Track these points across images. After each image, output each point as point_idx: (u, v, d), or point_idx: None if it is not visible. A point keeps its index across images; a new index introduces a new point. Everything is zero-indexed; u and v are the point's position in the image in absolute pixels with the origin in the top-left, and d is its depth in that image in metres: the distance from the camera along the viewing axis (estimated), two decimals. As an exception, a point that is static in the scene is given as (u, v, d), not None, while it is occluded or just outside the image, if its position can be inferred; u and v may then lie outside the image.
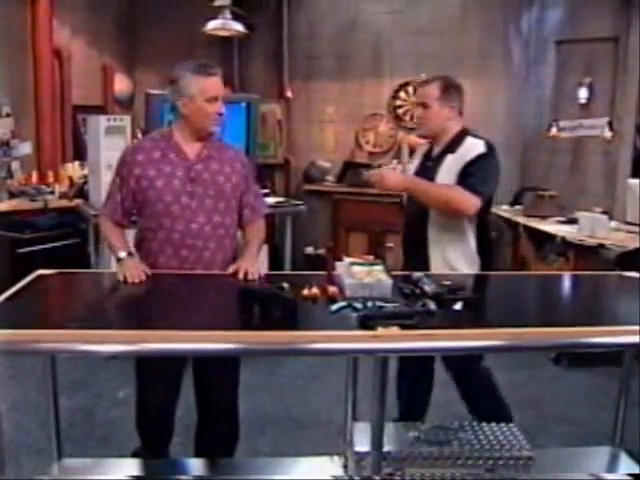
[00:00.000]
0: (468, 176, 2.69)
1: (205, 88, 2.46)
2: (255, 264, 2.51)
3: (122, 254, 2.50)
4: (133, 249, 2.58)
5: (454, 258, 2.77)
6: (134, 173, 2.53)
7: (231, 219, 2.63)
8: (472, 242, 2.80)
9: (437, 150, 2.88)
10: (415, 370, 2.99)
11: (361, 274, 2.25)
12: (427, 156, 2.94)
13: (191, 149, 2.56)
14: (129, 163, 2.55)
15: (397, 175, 3.04)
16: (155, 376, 2.69)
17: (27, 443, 3.12)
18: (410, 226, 2.94)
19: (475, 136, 2.83)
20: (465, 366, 2.77)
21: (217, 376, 2.75)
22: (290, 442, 3.24)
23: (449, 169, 2.76)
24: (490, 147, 2.76)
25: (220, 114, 2.52)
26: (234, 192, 2.61)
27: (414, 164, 3.02)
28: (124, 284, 2.35)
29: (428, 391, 3.07)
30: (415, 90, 2.94)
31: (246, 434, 2.98)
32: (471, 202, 2.67)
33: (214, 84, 2.49)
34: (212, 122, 2.53)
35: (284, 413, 3.56)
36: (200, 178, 2.53)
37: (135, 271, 2.40)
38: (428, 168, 2.86)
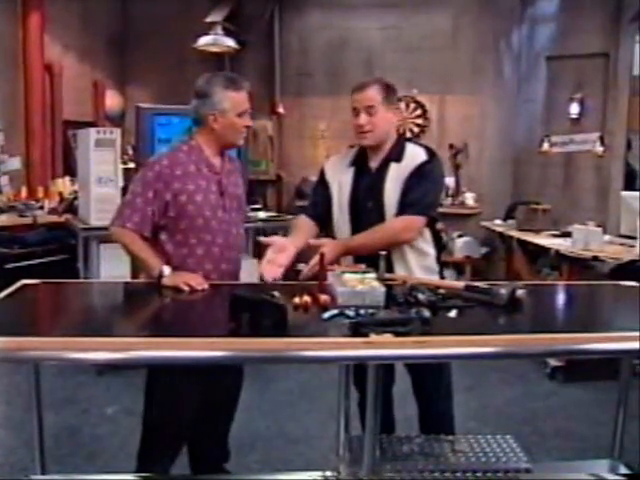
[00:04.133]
0: (409, 192, 2.51)
1: (236, 103, 2.47)
2: None
3: (167, 269, 2.39)
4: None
5: (418, 273, 2.55)
6: (172, 187, 2.45)
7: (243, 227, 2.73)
8: (432, 253, 2.64)
9: (378, 159, 2.59)
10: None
11: (353, 282, 2.20)
12: (363, 166, 2.63)
13: (217, 162, 2.58)
14: (166, 176, 2.46)
15: (332, 245, 2.52)
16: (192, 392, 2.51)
17: (10, 461, 3.03)
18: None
19: (415, 143, 2.68)
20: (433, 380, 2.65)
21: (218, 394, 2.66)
22: (281, 458, 3.16)
23: (394, 180, 2.55)
24: (431, 154, 2.58)
25: (248, 127, 2.56)
26: (244, 201, 2.73)
27: (346, 179, 2.64)
28: (190, 293, 2.29)
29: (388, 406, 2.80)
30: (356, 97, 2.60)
31: (237, 451, 2.90)
32: (414, 227, 2.52)
33: (244, 98, 2.51)
34: (241, 135, 2.56)
35: (275, 429, 3.48)
36: (227, 191, 2.57)
37: (198, 279, 2.34)
38: (373, 180, 2.59)
